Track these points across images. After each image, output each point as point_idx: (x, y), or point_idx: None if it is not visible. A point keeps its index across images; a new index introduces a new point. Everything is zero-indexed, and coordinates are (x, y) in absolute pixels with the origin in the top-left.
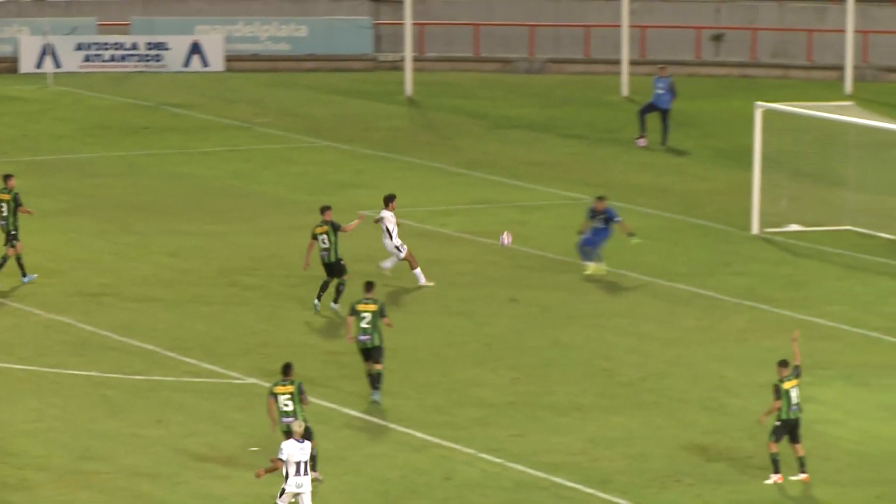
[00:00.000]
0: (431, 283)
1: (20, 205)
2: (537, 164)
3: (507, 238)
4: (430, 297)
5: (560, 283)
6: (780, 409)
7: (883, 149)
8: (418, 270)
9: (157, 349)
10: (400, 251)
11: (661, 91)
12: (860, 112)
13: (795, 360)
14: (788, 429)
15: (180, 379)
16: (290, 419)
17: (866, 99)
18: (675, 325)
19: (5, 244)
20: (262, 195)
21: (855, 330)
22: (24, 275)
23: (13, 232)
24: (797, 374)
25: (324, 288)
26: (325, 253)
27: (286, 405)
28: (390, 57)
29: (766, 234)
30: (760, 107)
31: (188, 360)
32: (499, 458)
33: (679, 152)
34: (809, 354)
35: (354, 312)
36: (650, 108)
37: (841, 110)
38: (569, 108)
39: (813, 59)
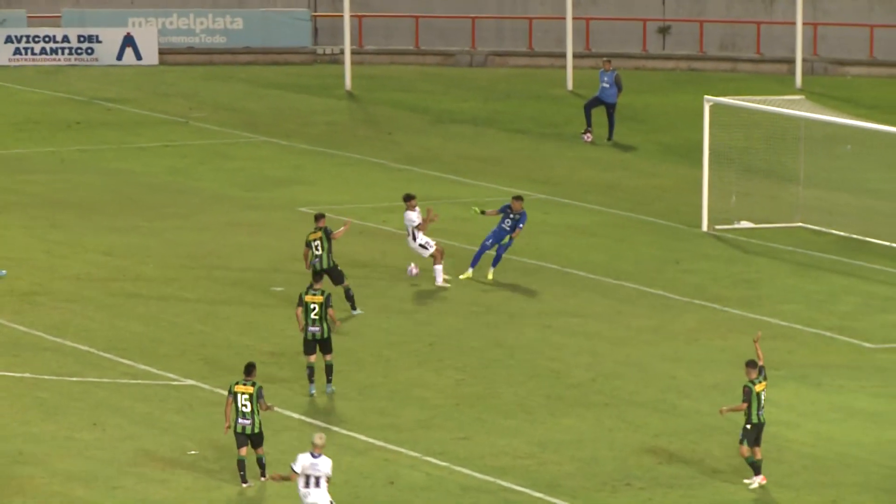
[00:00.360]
0: (447, 285)
1: None
2: (480, 159)
3: (414, 269)
4: (371, 297)
5: (504, 282)
6: (749, 412)
7: (834, 143)
8: (439, 268)
9: (92, 350)
10: (427, 248)
11: (606, 85)
12: (810, 106)
13: (759, 360)
14: (757, 432)
15: (116, 381)
16: (247, 421)
17: (817, 93)
18: (625, 324)
19: None
20: (198, 191)
21: (807, 329)
22: None
23: None
24: (764, 376)
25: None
26: (317, 260)
27: (245, 405)
28: (329, 50)
29: (716, 232)
30: (709, 101)
31: (124, 361)
32: (444, 461)
33: (626, 148)
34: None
35: (302, 303)
36: (596, 102)
37: (791, 104)
38: (512, 102)
39: (762, 53)
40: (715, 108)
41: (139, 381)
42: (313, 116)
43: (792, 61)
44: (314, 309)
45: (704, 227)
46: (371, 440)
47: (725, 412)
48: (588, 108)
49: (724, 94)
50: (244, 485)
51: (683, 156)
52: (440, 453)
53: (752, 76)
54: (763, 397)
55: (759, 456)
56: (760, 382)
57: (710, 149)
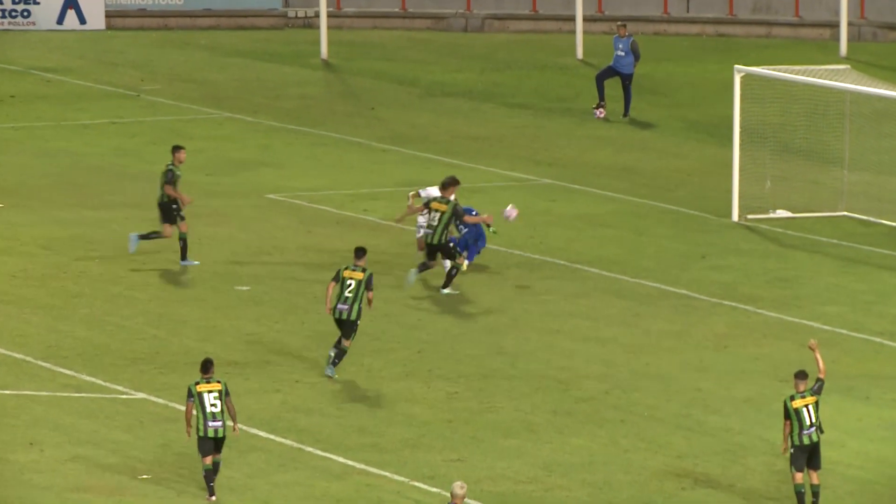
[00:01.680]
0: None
1: None
2: (477, 138)
3: (512, 211)
4: None
5: (506, 280)
6: (791, 433)
7: (884, 120)
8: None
9: (28, 358)
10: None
11: (621, 53)
12: (857, 77)
13: (819, 372)
14: (806, 454)
15: (56, 394)
16: (218, 423)
17: (864, 62)
18: (643, 329)
19: None
20: (151, 176)
21: (854, 334)
22: None
23: None
24: (817, 389)
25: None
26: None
27: (214, 405)
28: (301, 12)
29: (748, 222)
30: (740, 71)
31: (65, 371)
32: (434, 486)
33: (644, 125)
34: (800, 364)
35: (338, 279)
36: (609, 72)
37: (835, 75)
38: (513, 72)
39: (801, 15)
40: (747, 79)
41: (83, 395)
42: (284, 89)
43: (836, 25)
44: (350, 286)
45: (735, 217)
46: (351, 462)
47: (785, 450)
48: (601, 80)
49: (758, 64)
50: (211, 497)
51: (711, 134)
52: (430, 477)
53: (789, 42)
54: (808, 414)
55: (815, 480)
56: (804, 397)
57: (742, 126)
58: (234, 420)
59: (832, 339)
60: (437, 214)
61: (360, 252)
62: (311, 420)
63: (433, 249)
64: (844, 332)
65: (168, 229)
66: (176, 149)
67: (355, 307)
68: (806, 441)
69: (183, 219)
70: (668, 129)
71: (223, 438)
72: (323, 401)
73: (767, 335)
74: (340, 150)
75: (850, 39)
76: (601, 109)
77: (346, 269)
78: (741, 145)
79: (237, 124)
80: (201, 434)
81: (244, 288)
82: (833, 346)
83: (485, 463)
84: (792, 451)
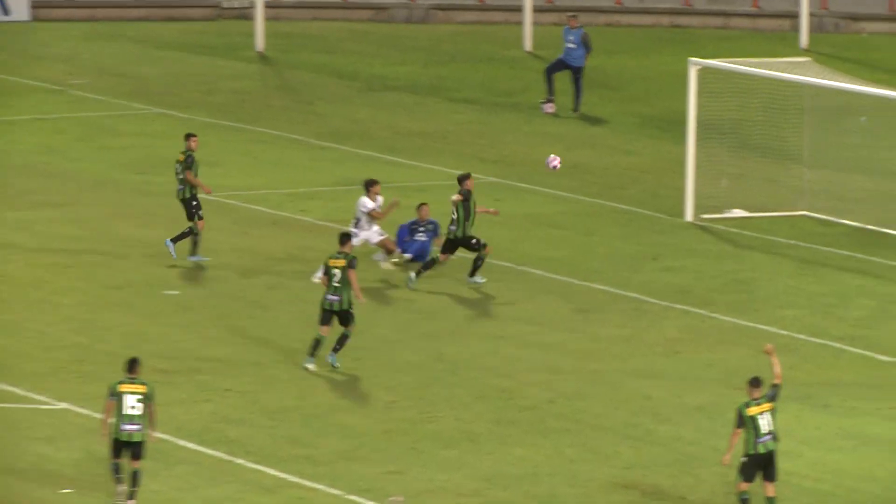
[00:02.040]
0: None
1: None
2: (420, 134)
3: (555, 161)
4: (286, 301)
5: (448, 283)
6: (746, 442)
7: (846, 115)
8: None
9: None
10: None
11: (572, 45)
12: (818, 70)
13: (775, 377)
14: (760, 465)
15: None
16: (135, 427)
17: (826, 54)
18: (591, 334)
19: None
20: (77, 174)
21: (812, 339)
22: None
23: None
24: (772, 396)
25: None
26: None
27: (134, 408)
28: (236, 3)
29: (703, 222)
30: (696, 64)
31: None
32: (371, 500)
33: (595, 120)
34: (756, 370)
35: (327, 270)
36: (559, 65)
37: (795, 68)
38: (459, 65)
39: (760, 6)
40: (703, 72)
41: (2, 405)
42: (218, 83)
43: (796, 16)
44: (336, 275)
45: (689, 217)
46: (283, 475)
47: (727, 461)
48: (550, 73)
49: (715, 56)
50: (119, 486)
51: (665, 130)
52: (366, 490)
53: (747, 34)
54: (764, 422)
55: (770, 493)
56: (759, 404)
57: (697, 121)
58: (153, 427)
59: (790, 345)
60: (453, 208)
61: (343, 238)
62: (241, 431)
63: (455, 244)
64: (803, 336)
65: (201, 223)
66: (188, 136)
67: (345, 296)
68: (761, 450)
69: (201, 218)
70: (621, 124)
71: (138, 444)
72: (254, 411)
73: (722, 340)
74: (277, 148)
75: (811, 31)
76: (550, 104)
77: (331, 257)
78: (696, 142)
79: (169, 120)
80: (114, 436)
81: (173, 292)
82: (791, 352)
83: (424, 475)
84: (745, 459)
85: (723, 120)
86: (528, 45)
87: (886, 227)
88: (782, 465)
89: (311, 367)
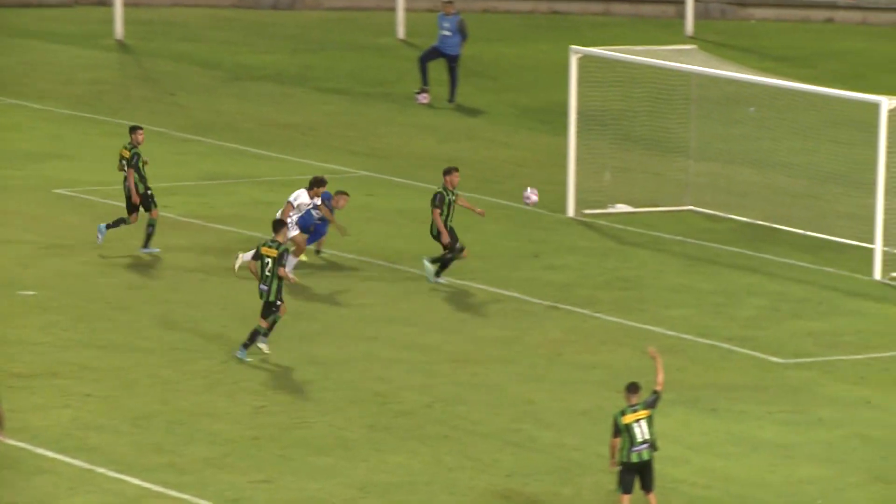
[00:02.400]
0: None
1: None
2: (287, 126)
3: (532, 195)
4: (149, 301)
5: (320, 282)
6: (621, 450)
7: (733, 105)
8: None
9: None
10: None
11: (447, 33)
12: (704, 59)
13: (657, 384)
14: (637, 474)
15: None
16: None
17: (712, 41)
18: (470, 335)
19: None
20: None
21: (700, 340)
22: None
23: None
24: (651, 403)
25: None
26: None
27: None
28: None
29: (585, 217)
30: (577, 52)
31: None
32: None
33: (472, 111)
34: (642, 373)
35: (258, 256)
36: (434, 53)
37: (680, 56)
38: (328, 54)
39: None
40: (584, 60)
41: None
42: (74, 73)
43: (681, 2)
44: (268, 264)
45: (571, 213)
46: (147, 484)
47: (613, 467)
48: (424, 62)
49: (596, 44)
50: None
51: (544, 121)
52: (234, 500)
53: (630, 21)
54: (640, 431)
55: (652, 503)
56: (635, 411)
57: (578, 112)
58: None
59: (676, 346)
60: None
61: (277, 225)
62: (103, 438)
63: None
64: (690, 337)
65: (134, 217)
66: (134, 129)
67: (273, 287)
68: (635, 459)
69: (156, 205)
70: (498, 115)
71: None
72: (116, 417)
73: (606, 341)
74: None
75: (696, 17)
76: (424, 94)
77: (263, 245)
78: (578, 133)
79: (23, 112)
80: None
81: (29, 293)
82: (678, 353)
83: (295, 484)
84: (619, 468)
85: (605, 111)
86: (400, 32)
87: (776, 223)
88: (669, 472)
89: (264, 347)
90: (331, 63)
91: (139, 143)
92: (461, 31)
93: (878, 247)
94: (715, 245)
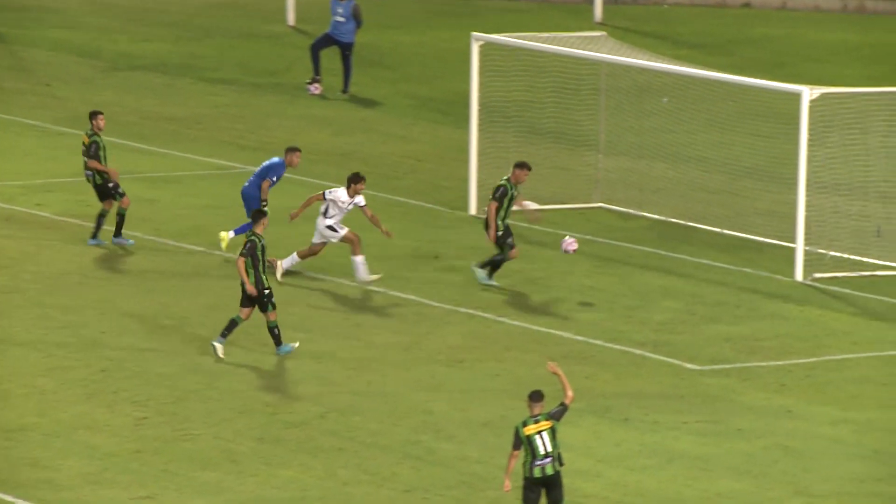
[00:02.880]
0: (376, 277)
1: None
2: (171, 119)
3: (572, 244)
4: (22, 306)
5: (203, 285)
6: (523, 464)
7: (645, 95)
8: (360, 259)
9: None
10: (337, 231)
11: (340, 19)
12: (614, 46)
13: (566, 398)
14: (542, 489)
15: None
16: None
17: (622, 28)
18: (365, 341)
19: None
20: None
21: (611, 346)
22: None
23: None
24: (556, 414)
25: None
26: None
27: None
28: None
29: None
30: (478, 39)
31: None
32: None
33: (367, 103)
34: (549, 381)
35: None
36: (326, 41)
37: (589, 44)
38: (214, 42)
39: None
40: (487, 48)
41: None
42: None
43: None
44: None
45: (473, 210)
46: (21, 501)
47: (507, 486)
48: (316, 50)
49: (499, 31)
50: None
51: (445, 113)
52: None
53: (535, 6)
54: (542, 443)
55: None
56: (537, 422)
57: (481, 104)
58: None
59: (586, 352)
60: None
61: (255, 216)
62: None
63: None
64: (600, 342)
65: (108, 204)
66: (94, 114)
67: (250, 277)
68: (538, 474)
69: (123, 194)
70: (396, 107)
71: None
72: None
73: (510, 347)
74: (10, 135)
75: (606, 2)
76: (317, 85)
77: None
78: (480, 126)
79: None
80: None
81: None
82: (587, 360)
83: (179, 500)
84: (523, 484)
85: (509, 102)
86: (291, 18)
87: (692, 221)
88: (579, 486)
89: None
90: (217, 52)
91: (101, 130)
92: (355, 17)
93: (800, 246)
94: (626, 244)
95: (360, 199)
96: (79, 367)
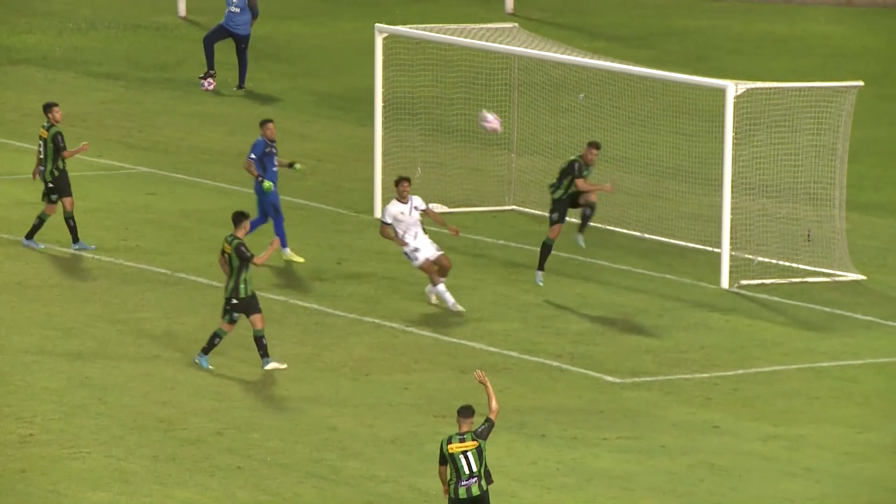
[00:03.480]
0: (461, 309)
1: None
2: None
3: (489, 121)
4: None
5: (93, 293)
6: (448, 484)
7: (561, 91)
8: (442, 288)
9: None
10: (418, 254)
11: (235, 10)
12: (527, 38)
13: (490, 412)
14: None
15: None
16: None
17: (536, 19)
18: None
19: None
20: None
21: (526, 357)
22: None
23: None
24: (482, 432)
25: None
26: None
27: None
28: None
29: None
30: (382, 31)
31: None
32: None
33: (265, 99)
34: (460, 394)
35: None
36: (221, 33)
37: (500, 36)
38: (99, 34)
39: None
40: (391, 41)
41: None
42: None
43: None
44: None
45: (378, 213)
46: None
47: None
48: (209, 43)
49: (405, 22)
50: None
51: (347, 110)
52: None
53: None
54: (467, 462)
55: None
56: (462, 440)
57: (385, 100)
58: None
59: (500, 364)
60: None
61: (236, 217)
62: None
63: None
64: (515, 354)
65: (52, 207)
66: (48, 106)
67: (230, 284)
68: (462, 494)
69: (53, 202)
70: (294, 103)
71: None
72: None
73: (419, 359)
74: None
75: None
76: (210, 80)
77: (225, 241)
78: (384, 124)
79: None
80: None
81: None
82: (501, 373)
83: None
84: None
85: (416, 98)
86: (182, 9)
87: (610, 225)
88: None
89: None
90: (103, 44)
91: (58, 122)
92: (251, 8)
93: (726, 251)
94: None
95: (418, 201)
96: None
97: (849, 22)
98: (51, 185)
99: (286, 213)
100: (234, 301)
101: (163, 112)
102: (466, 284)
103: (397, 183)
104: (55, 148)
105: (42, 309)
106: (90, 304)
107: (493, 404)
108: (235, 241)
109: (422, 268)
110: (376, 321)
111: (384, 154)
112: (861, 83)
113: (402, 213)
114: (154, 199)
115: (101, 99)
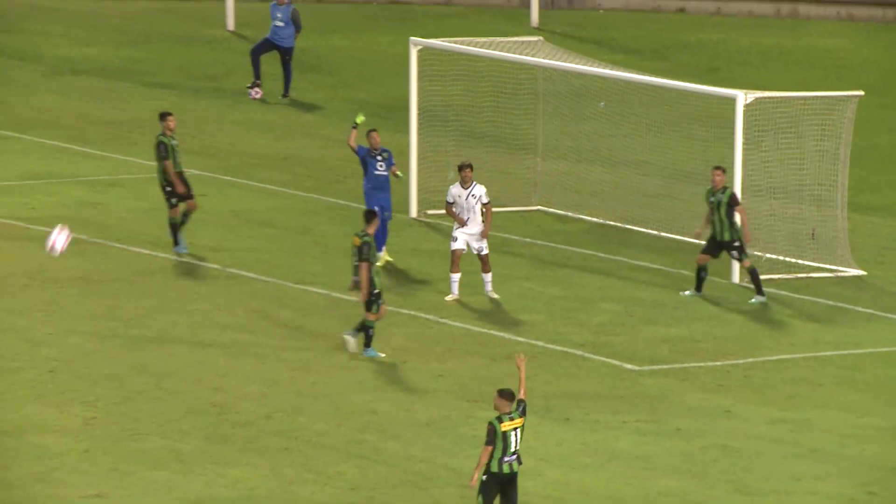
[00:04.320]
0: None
1: None
2: (112, 123)
3: (60, 240)
4: None
5: (150, 287)
6: (491, 458)
7: (582, 100)
8: (488, 276)
9: None
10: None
11: (280, 24)
12: (551, 51)
13: (520, 392)
14: (501, 485)
15: None
16: None
17: (559, 33)
18: (309, 342)
19: None
20: None
21: (551, 347)
22: None
23: None
24: (523, 411)
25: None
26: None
27: None
28: None
29: (428, 218)
30: (417, 44)
31: None
32: None
33: (308, 107)
34: (491, 381)
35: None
36: (267, 46)
37: (526, 48)
38: (154, 46)
39: None
40: (424, 53)
41: None
42: None
43: None
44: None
45: (413, 213)
46: None
47: (474, 482)
48: (256, 55)
49: (437, 35)
50: None
51: (384, 118)
52: None
53: (473, 10)
54: (517, 439)
55: None
56: (512, 419)
57: (420, 108)
58: None
59: (527, 353)
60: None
61: (368, 216)
62: None
63: (719, 246)
64: (541, 344)
65: (176, 210)
66: (164, 116)
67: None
68: (506, 469)
69: (174, 205)
70: (335, 112)
71: None
72: None
73: (453, 348)
74: None
75: (542, 7)
76: (257, 89)
77: (355, 235)
78: (419, 130)
79: None
80: None
81: None
82: (528, 361)
83: (128, 499)
84: (485, 478)
85: (448, 106)
86: (230, 23)
87: (629, 224)
88: (521, 484)
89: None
90: (157, 56)
91: (171, 131)
92: (295, 22)
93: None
94: (565, 247)
95: (479, 190)
96: (27, 368)
97: (850, 36)
98: (168, 188)
99: (332, 213)
100: (377, 291)
101: (213, 119)
102: (496, 279)
103: (460, 168)
104: (157, 155)
105: (103, 302)
106: (148, 298)
107: (522, 390)
108: (365, 238)
109: (451, 252)
110: (412, 313)
111: (419, 158)
112: (861, 93)
113: (459, 196)
114: (205, 200)
115: (155, 107)
